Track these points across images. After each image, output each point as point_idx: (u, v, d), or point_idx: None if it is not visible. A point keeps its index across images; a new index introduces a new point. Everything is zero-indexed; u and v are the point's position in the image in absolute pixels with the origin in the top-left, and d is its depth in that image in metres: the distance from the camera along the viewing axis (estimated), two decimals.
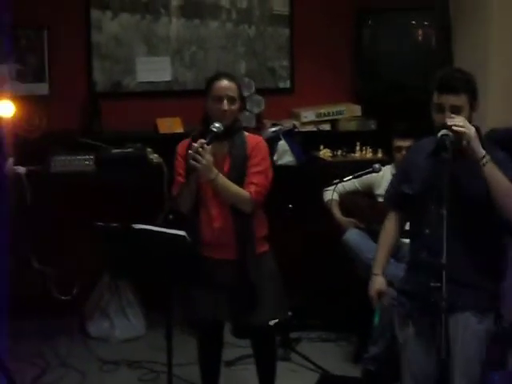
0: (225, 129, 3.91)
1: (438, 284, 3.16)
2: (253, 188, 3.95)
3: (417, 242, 3.56)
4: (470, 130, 3.26)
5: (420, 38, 5.83)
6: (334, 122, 6.09)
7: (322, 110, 6.04)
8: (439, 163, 3.31)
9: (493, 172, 3.26)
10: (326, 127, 6.07)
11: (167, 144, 5.34)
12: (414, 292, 3.52)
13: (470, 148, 3.26)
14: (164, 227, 3.68)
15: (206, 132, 3.91)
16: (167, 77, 5.96)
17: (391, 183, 3.87)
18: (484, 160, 3.24)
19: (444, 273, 3.14)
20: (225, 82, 3.98)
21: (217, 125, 3.87)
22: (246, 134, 4.13)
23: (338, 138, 6.01)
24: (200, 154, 3.75)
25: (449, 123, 3.27)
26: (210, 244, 4.00)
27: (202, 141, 3.78)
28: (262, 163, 4.04)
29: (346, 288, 5.37)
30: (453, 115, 3.31)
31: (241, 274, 3.98)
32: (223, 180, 3.89)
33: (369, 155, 5.82)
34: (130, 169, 5.26)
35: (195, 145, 3.77)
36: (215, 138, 3.87)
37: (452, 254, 3.21)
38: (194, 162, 3.76)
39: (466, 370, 3.42)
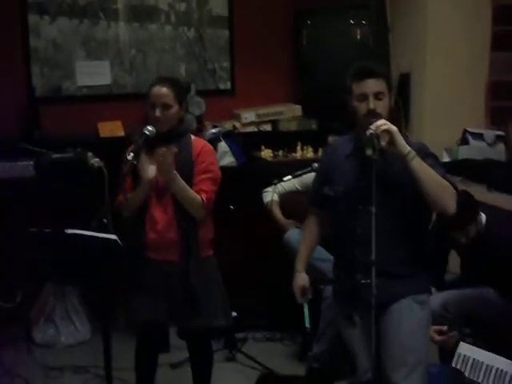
0: (164, 133, 3.90)
1: (368, 280, 3.22)
2: (204, 195, 3.95)
3: (347, 241, 3.55)
4: (393, 127, 3.28)
5: (358, 37, 5.88)
6: (274, 123, 6.14)
7: (263, 111, 6.08)
8: (365, 162, 3.35)
9: (421, 167, 3.28)
10: (267, 128, 6.12)
11: (108, 147, 5.39)
12: (349, 289, 3.56)
13: (396, 145, 3.27)
14: (100, 231, 3.68)
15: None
16: (107, 80, 5.94)
17: (313, 185, 3.87)
18: (410, 155, 3.26)
19: (373, 269, 3.20)
20: (158, 89, 3.95)
21: (149, 128, 3.88)
22: (193, 137, 4.12)
23: (279, 138, 6.05)
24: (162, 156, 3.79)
25: (373, 129, 3.26)
26: (153, 246, 4.00)
27: (132, 154, 3.80)
28: (210, 168, 4.03)
29: (290, 287, 5.39)
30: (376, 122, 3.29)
31: (182, 277, 3.98)
32: (181, 181, 3.89)
33: (309, 155, 5.86)
34: (69, 173, 5.22)
35: (128, 157, 3.79)
36: (147, 141, 3.87)
37: (386, 248, 3.29)
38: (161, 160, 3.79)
39: (416, 357, 3.47)
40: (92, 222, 3.67)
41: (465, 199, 4.21)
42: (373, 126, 3.27)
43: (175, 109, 3.98)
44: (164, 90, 3.95)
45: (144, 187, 3.93)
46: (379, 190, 3.29)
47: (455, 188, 3.39)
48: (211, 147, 4.16)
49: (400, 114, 5.30)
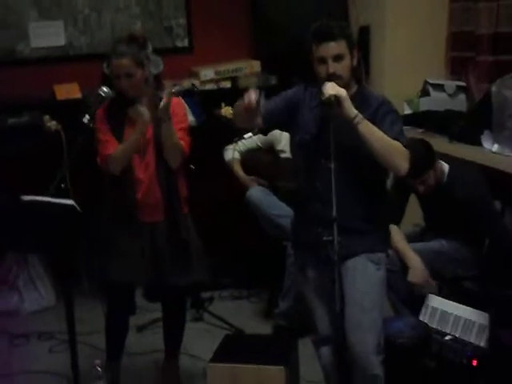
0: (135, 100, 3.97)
1: (330, 237, 3.21)
2: (183, 143, 4.04)
3: (307, 193, 3.53)
4: (341, 92, 3.25)
5: None
6: (234, 79, 6.06)
7: (222, 68, 6.00)
8: (326, 118, 3.33)
9: (368, 130, 3.27)
10: (227, 85, 6.04)
11: (66, 110, 5.30)
12: (307, 244, 3.55)
13: (342, 109, 3.26)
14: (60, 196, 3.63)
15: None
16: (61, 41, 5.81)
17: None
18: (356, 119, 3.24)
19: (335, 226, 3.18)
20: (118, 61, 3.97)
21: (104, 89, 3.94)
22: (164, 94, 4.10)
23: (240, 95, 5.94)
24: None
25: (322, 98, 3.26)
26: (137, 206, 4.05)
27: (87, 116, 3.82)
28: (184, 120, 4.14)
29: (255, 245, 5.41)
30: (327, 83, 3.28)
31: (171, 235, 4.06)
32: (171, 124, 3.96)
33: None
34: (26, 137, 5.14)
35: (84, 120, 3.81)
36: (103, 101, 3.94)
37: (344, 204, 3.26)
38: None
39: (365, 317, 3.45)
40: (49, 187, 3.60)
41: (420, 148, 4.19)
42: (323, 97, 3.26)
43: (138, 74, 4.01)
44: (123, 60, 3.96)
45: (143, 130, 3.97)
46: (338, 146, 3.27)
47: (410, 145, 3.37)
48: (183, 102, 4.23)
49: (361, 67, 5.23)
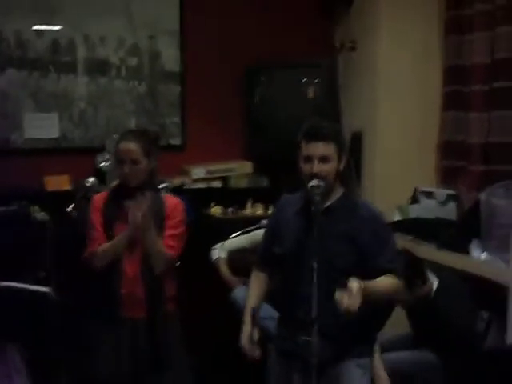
0: (134, 188, 3.93)
1: (308, 338, 3.14)
2: (172, 251, 4.00)
3: (290, 298, 3.50)
4: (356, 302, 3.15)
5: (310, 95, 5.87)
6: (225, 179, 6.06)
7: (213, 167, 6.01)
8: (310, 216, 3.31)
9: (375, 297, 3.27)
10: (218, 184, 6.04)
11: (55, 201, 5.29)
12: (291, 351, 3.47)
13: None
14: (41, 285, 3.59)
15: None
16: (55, 133, 5.81)
17: (263, 242, 3.83)
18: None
19: (315, 327, 3.12)
20: (125, 144, 3.97)
21: (90, 180, 4.13)
22: (165, 194, 4.18)
23: (230, 195, 5.98)
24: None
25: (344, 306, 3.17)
26: (123, 302, 3.98)
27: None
28: (180, 226, 4.08)
29: (238, 346, 5.30)
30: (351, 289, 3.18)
31: (149, 334, 3.98)
32: (153, 234, 3.91)
33: (260, 212, 5.80)
34: (12, 226, 5.10)
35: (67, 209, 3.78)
36: (87, 192, 3.99)
37: (330, 309, 3.18)
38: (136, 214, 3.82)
39: None
40: (26, 275, 3.56)
41: (408, 259, 4.20)
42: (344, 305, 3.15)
43: (144, 163, 3.97)
44: (131, 145, 3.95)
45: (127, 235, 3.92)
46: (324, 249, 3.23)
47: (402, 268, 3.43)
48: (184, 206, 4.17)
49: (350, 172, 5.24)
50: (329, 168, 3.38)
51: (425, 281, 4.36)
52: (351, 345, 3.41)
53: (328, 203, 3.45)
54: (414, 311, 4.41)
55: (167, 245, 3.99)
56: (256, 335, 3.64)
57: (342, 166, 3.46)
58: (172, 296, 4.16)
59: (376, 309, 3.45)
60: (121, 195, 4.00)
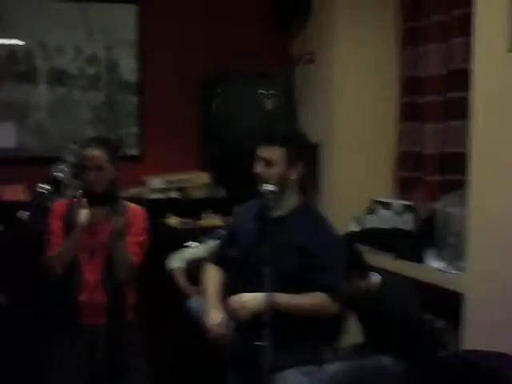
0: (98, 195, 3.95)
1: (261, 343, 3.12)
2: (135, 257, 4.01)
3: None
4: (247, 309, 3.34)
5: (267, 105, 5.89)
6: (182, 190, 6.05)
7: (171, 178, 5.99)
8: (264, 222, 3.32)
9: (287, 307, 3.30)
10: (175, 195, 6.03)
11: (10, 211, 5.22)
12: (243, 354, 3.46)
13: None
14: None
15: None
16: (11, 143, 5.77)
17: (219, 244, 3.83)
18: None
19: (267, 332, 3.10)
20: (91, 151, 3.98)
21: (43, 186, 3.93)
22: (127, 202, 4.17)
23: (187, 206, 5.97)
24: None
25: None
26: (80, 308, 3.96)
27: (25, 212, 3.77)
28: (143, 233, 4.11)
29: (200, 357, 5.29)
30: None
31: (109, 341, 3.96)
32: (125, 241, 3.92)
33: (217, 222, 5.78)
34: None
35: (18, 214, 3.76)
36: (41, 199, 3.92)
37: (276, 316, 3.18)
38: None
39: None
40: None
41: (350, 251, 4.15)
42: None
43: (108, 170, 4.00)
44: (97, 151, 3.97)
45: (76, 234, 3.90)
46: (276, 254, 3.22)
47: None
48: (146, 214, 4.19)
49: (309, 183, 5.25)
50: (272, 173, 3.40)
51: (364, 275, 4.30)
52: (296, 351, 3.40)
53: (283, 211, 3.45)
54: (362, 313, 4.38)
55: (132, 252, 4.00)
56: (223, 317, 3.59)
57: (292, 174, 3.45)
58: (132, 304, 4.16)
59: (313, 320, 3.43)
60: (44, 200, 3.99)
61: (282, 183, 3.43)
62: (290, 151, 3.42)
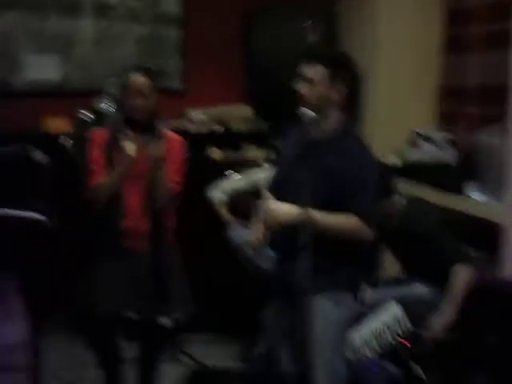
0: (142, 121, 4.02)
1: (297, 265, 3.14)
2: (175, 185, 4.10)
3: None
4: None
5: (310, 39, 5.84)
6: (224, 123, 6.07)
7: (213, 111, 6.02)
8: (301, 146, 3.32)
9: (322, 225, 3.28)
10: (218, 128, 6.05)
11: (55, 143, 5.30)
12: (276, 275, 3.51)
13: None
14: None
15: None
16: (56, 75, 5.82)
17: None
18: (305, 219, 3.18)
19: (305, 252, 3.11)
20: (137, 77, 4.04)
21: (85, 113, 4.31)
22: (166, 130, 4.19)
23: (229, 139, 6.00)
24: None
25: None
26: (128, 234, 4.05)
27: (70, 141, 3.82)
28: (179, 160, 4.17)
29: (238, 287, 5.36)
30: None
31: (154, 267, 4.04)
32: (163, 170, 4.00)
33: (259, 155, 5.80)
34: (11, 166, 5.12)
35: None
36: (83, 125, 4.22)
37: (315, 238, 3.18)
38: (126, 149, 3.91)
39: (322, 357, 3.42)
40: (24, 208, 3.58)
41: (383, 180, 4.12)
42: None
43: (151, 98, 4.06)
44: (143, 79, 4.03)
45: (124, 166, 3.98)
46: (312, 178, 3.23)
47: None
48: (184, 142, 4.26)
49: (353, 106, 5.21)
50: (313, 92, 3.37)
51: (389, 196, 4.34)
52: (325, 278, 3.40)
53: (323, 134, 3.42)
54: (395, 240, 4.39)
55: (171, 179, 4.06)
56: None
57: (334, 94, 3.39)
58: (173, 229, 4.24)
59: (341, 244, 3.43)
60: (130, 128, 4.04)
61: (323, 103, 3.38)
62: (333, 70, 3.37)
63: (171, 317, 4.11)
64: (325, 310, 3.41)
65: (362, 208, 3.31)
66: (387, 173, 4.39)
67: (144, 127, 4.03)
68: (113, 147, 4.04)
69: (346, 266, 3.47)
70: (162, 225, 4.09)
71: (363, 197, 3.33)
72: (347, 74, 3.41)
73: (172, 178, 4.07)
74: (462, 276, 4.03)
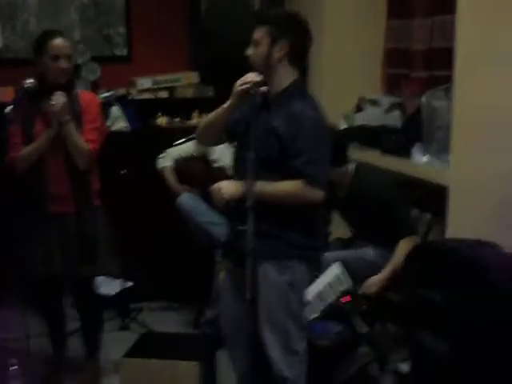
0: (63, 84, 4.02)
1: (245, 227, 3.15)
2: (91, 145, 4.06)
3: None
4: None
5: (256, 4, 5.85)
6: (171, 90, 6.05)
7: (159, 78, 5.99)
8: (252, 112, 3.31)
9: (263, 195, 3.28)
10: (164, 95, 6.03)
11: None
12: (229, 241, 3.52)
13: None
14: None
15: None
16: None
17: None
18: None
19: (250, 216, 3.13)
20: (61, 41, 4.04)
21: (27, 81, 4.01)
22: (79, 90, 4.23)
23: (176, 105, 5.98)
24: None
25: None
26: (51, 198, 4.08)
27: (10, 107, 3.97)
28: (97, 119, 4.18)
29: (184, 254, 5.38)
30: None
31: (79, 226, 4.10)
32: (72, 126, 3.98)
33: None
34: None
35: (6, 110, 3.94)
36: (26, 93, 4.01)
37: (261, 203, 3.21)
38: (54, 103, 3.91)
39: (270, 320, 3.46)
40: None
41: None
42: None
43: (73, 60, 4.12)
44: (65, 41, 4.06)
45: (54, 129, 3.98)
46: (260, 140, 3.24)
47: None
48: (98, 100, 4.31)
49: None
50: (256, 53, 3.37)
51: (341, 163, 4.37)
52: (271, 244, 3.41)
53: (271, 95, 3.40)
54: (346, 204, 4.45)
55: (87, 139, 4.06)
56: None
57: (276, 52, 3.35)
58: (97, 190, 4.25)
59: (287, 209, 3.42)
60: (38, 95, 4.05)
61: (266, 62, 3.36)
62: (273, 28, 3.34)
63: (95, 270, 4.23)
64: (267, 274, 3.42)
65: (306, 169, 3.30)
66: (341, 140, 4.42)
67: (64, 89, 4.03)
68: (31, 109, 4.05)
69: (293, 231, 3.44)
70: (84, 187, 4.12)
71: (308, 157, 3.31)
72: (291, 31, 3.38)
73: (88, 137, 4.07)
74: (406, 245, 4.16)
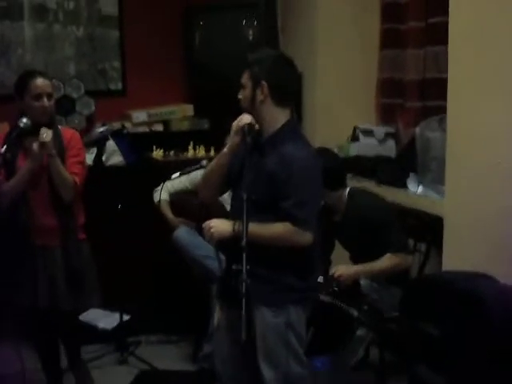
0: (45, 123, 4.07)
1: (240, 267, 3.12)
2: (76, 177, 4.12)
3: None
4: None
5: (250, 36, 5.87)
6: (166, 123, 6.07)
7: (154, 111, 6.00)
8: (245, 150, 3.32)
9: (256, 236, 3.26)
10: (159, 128, 6.05)
11: None
12: (223, 279, 3.50)
13: None
14: None
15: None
16: None
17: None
18: None
19: (244, 255, 3.10)
20: (43, 80, 4.13)
21: (24, 120, 4.06)
22: (60, 127, 4.32)
23: (171, 139, 5.99)
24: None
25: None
26: (34, 232, 4.11)
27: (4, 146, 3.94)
28: (80, 153, 4.25)
29: (182, 289, 5.37)
30: None
31: (65, 260, 4.14)
32: (58, 159, 4.03)
33: (201, 154, 5.81)
34: None
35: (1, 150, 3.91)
36: (22, 132, 4.06)
37: (251, 249, 3.13)
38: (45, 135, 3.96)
39: (269, 357, 3.42)
40: None
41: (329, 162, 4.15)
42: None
43: (53, 98, 4.20)
44: (47, 81, 4.15)
45: (33, 162, 4.01)
46: (254, 182, 3.24)
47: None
48: (79, 134, 4.36)
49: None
50: (242, 96, 3.40)
51: (341, 185, 4.40)
52: (267, 287, 3.37)
53: (263, 137, 3.41)
54: (344, 231, 4.46)
55: (71, 172, 4.11)
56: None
57: (259, 95, 3.33)
58: (81, 224, 4.29)
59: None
60: (22, 133, 4.10)
61: (252, 105, 3.37)
62: (254, 71, 3.36)
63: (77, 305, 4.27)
64: (263, 315, 3.40)
65: (295, 211, 3.29)
66: (338, 164, 4.44)
67: (47, 126, 4.07)
68: (14, 146, 4.07)
69: (288, 274, 3.41)
70: (68, 221, 4.16)
71: (296, 200, 3.30)
72: (271, 72, 3.38)
73: (73, 170, 4.12)
74: (392, 259, 4.22)
